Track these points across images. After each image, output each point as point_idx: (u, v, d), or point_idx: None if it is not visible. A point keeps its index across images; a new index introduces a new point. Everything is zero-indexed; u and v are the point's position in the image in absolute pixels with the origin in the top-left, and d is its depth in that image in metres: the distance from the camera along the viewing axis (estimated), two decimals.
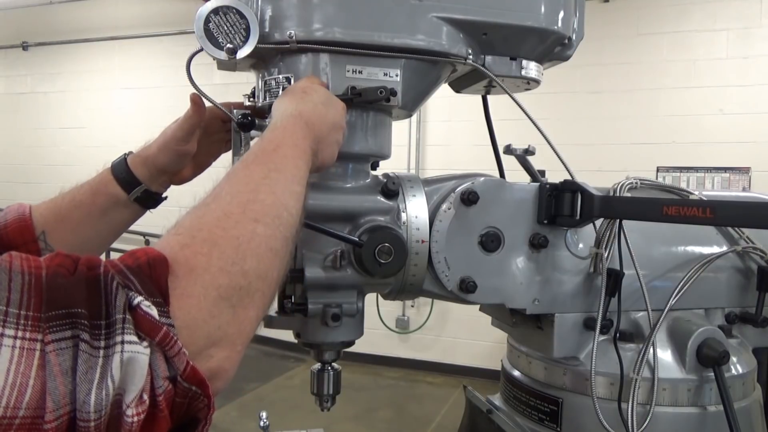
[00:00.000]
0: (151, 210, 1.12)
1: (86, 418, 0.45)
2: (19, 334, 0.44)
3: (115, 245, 1.15)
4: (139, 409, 0.47)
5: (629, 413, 1.10)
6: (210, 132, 1.13)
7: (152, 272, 0.53)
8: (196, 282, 0.56)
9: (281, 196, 0.70)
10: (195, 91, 1.04)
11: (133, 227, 1.15)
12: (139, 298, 0.50)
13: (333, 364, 1.13)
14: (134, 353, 0.48)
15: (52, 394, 0.44)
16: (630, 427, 1.08)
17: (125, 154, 1.09)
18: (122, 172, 1.07)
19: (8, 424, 0.42)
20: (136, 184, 1.07)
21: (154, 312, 0.50)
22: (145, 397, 0.48)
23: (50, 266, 0.49)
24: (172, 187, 1.15)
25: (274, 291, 0.66)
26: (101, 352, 0.47)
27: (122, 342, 0.47)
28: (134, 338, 0.48)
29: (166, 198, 1.14)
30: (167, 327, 0.50)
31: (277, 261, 0.66)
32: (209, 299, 0.57)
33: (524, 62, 1.16)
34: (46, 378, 0.44)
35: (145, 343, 0.49)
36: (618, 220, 1.14)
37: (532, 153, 1.21)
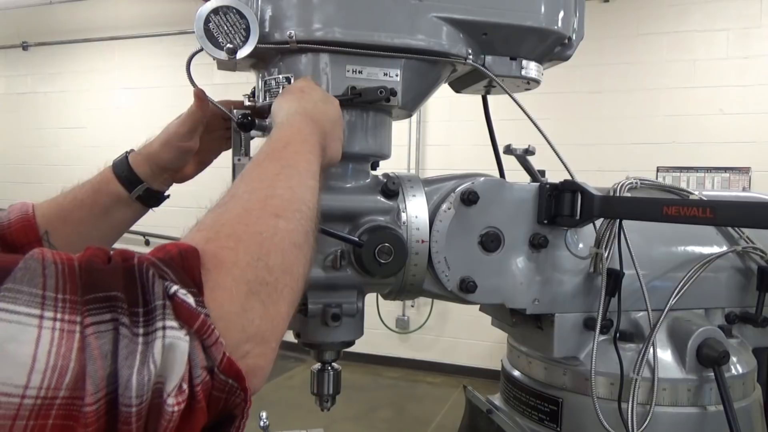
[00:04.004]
0: (153, 209, 1.12)
1: (128, 402, 0.45)
2: (58, 315, 0.44)
3: (116, 245, 1.15)
4: (179, 398, 0.47)
5: (629, 413, 1.10)
6: (211, 129, 1.13)
7: (185, 263, 0.53)
8: (227, 275, 0.55)
9: (298, 191, 0.70)
10: (196, 90, 1.04)
11: (133, 227, 1.15)
12: (175, 287, 0.49)
13: (333, 364, 1.13)
14: (175, 339, 0.47)
15: (92, 377, 0.44)
16: (630, 427, 1.08)
17: (127, 152, 1.09)
18: (124, 170, 1.06)
19: (49, 405, 0.42)
20: (138, 182, 1.06)
21: (191, 300, 0.50)
22: (185, 386, 0.47)
23: (83, 257, 0.49)
24: (173, 187, 1.15)
25: (302, 286, 0.66)
26: (140, 338, 0.46)
27: (163, 327, 0.47)
28: (175, 324, 0.48)
29: (168, 197, 1.14)
30: (204, 315, 0.50)
31: (301, 255, 0.66)
32: (240, 293, 0.56)
33: (524, 62, 1.17)
34: (86, 361, 0.44)
35: (184, 331, 0.48)
36: (618, 220, 1.14)
37: (532, 153, 1.21)
